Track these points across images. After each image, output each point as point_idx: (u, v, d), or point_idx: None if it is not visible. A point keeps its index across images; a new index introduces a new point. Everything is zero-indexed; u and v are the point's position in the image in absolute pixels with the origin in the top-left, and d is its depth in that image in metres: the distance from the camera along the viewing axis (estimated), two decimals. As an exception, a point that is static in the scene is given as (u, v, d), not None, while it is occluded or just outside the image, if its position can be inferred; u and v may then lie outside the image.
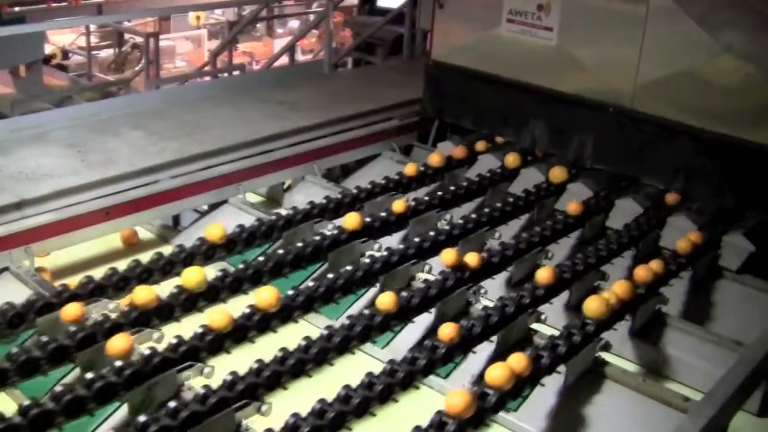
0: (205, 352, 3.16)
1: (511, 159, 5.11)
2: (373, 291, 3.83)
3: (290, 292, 3.52)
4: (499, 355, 3.35)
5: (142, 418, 2.73)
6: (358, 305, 3.85)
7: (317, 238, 4.05)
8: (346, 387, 2.94)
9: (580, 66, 4.93)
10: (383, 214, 4.35)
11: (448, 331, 3.25)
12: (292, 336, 3.35)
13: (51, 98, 7.22)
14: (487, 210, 4.47)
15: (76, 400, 2.80)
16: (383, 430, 3.01)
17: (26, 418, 2.69)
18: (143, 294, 3.37)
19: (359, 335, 3.32)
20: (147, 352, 3.05)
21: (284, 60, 8.71)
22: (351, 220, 4.17)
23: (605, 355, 3.47)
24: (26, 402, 2.74)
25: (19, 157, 4.66)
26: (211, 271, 3.69)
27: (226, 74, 8.15)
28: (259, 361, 3.06)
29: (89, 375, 2.89)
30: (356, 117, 5.66)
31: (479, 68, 5.40)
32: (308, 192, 4.96)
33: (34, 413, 2.70)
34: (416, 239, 4.06)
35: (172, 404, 2.81)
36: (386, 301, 3.45)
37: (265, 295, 3.37)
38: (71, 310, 3.28)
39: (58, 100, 7.20)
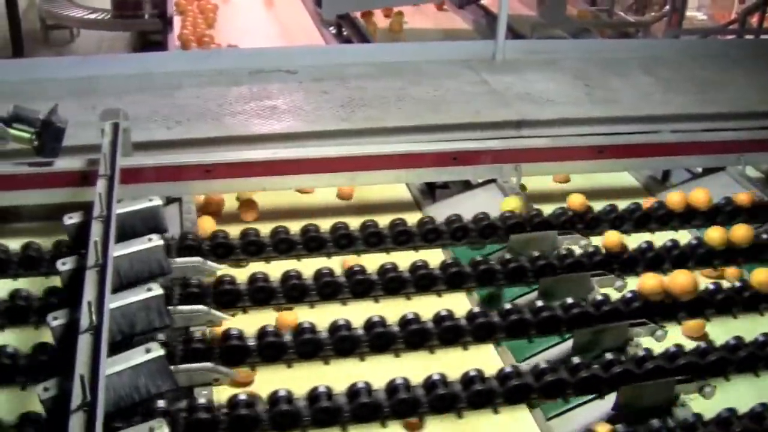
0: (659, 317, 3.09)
1: None
2: None
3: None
4: None
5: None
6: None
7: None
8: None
9: None
10: None
11: None
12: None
13: (568, 28, 7.35)
14: None
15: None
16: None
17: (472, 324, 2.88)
18: (612, 238, 3.40)
19: None
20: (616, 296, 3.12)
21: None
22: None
23: None
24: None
25: (528, 78, 4.84)
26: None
27: (752, 36, 7.63)
28: (738, 338, 2.95)
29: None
30: None
31: None
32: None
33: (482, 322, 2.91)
34: None
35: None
36: None
37: (680, 279, 3.16)
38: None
39: (574, 31, 7.31)
